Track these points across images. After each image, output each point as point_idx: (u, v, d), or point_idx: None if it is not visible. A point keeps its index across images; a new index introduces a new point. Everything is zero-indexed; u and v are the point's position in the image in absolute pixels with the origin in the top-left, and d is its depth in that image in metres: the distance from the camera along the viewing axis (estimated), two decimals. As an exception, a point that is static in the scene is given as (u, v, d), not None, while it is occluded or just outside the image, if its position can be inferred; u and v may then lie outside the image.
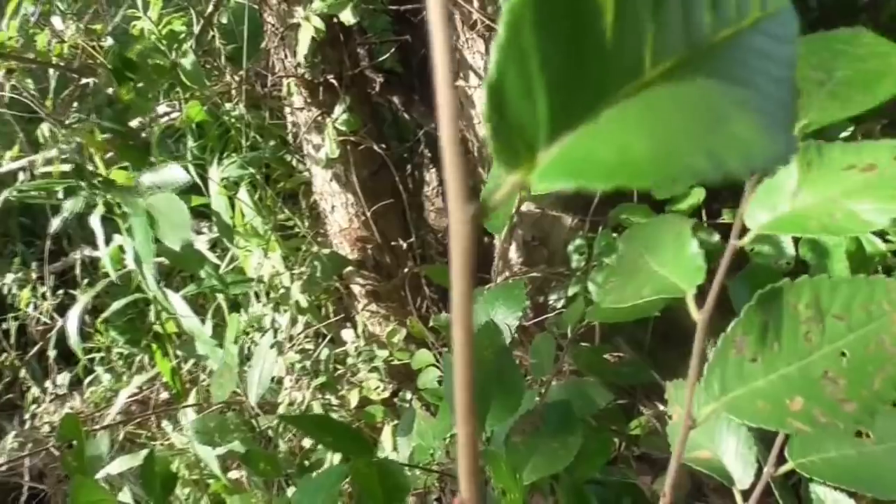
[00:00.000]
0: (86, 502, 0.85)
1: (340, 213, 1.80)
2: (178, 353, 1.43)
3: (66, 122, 1.88)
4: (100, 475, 1.63)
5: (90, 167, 1.23)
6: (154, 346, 1.35)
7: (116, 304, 1.23)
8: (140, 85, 1.12)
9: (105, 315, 1.23)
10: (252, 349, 1.46)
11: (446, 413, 0.77)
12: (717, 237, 1.53)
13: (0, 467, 1.57)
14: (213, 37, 1.57)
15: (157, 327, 1.32)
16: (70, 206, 1.13)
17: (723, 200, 1.61)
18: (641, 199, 1.82)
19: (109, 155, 1.51)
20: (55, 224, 1.16)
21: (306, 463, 1.18)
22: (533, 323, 1.73)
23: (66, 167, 1.40)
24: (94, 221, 1.13)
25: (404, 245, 1.83)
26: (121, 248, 1.21)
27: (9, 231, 2.80)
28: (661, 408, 1.23)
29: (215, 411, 1.31)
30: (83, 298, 1.19)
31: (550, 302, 1.71)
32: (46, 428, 1.83)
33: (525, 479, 0.52)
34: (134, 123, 1.72)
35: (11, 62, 1.59)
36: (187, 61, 1.28)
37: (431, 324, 1.28)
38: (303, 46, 1.26)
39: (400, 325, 1.55)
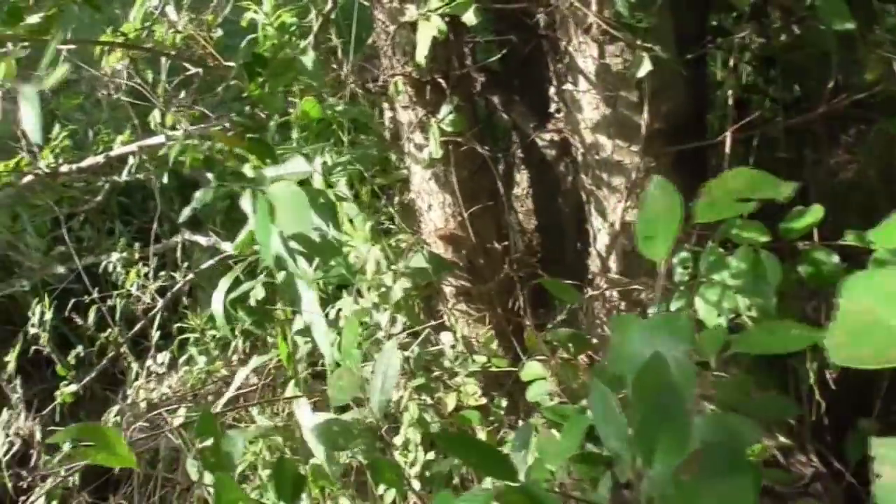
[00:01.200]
0: (227, 500, 0.87)
1: (437, 213, 1.80)
2: (296, 338, 1.46)
3: (177, 108, 1.94)
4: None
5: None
6: (278, 329, 1.38)
7: (247, 286, 1.26)
8: (268, 80, 1.14)
9: (233, 295, 1.27)
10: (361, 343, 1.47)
11: (573, 432, 0.75)
12: (835, 258, 1.46)
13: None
14: (329, 33, 1.58)
15: (279, 313, 1.35)
16: (200, 196, 1.16)
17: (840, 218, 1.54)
18: (752, 216, 1.76)
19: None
20: (185, 213, 1.19)
21: (427, 474, 1.18)
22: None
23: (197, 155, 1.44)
24: (245, 204, 1.15)
25: (499, 247, 1.82)
26: (251, 236, 1.24)
27: (109, 209, 2.92)
28: (782, 439, 1.19)
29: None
30: (223, 283, 1.22)
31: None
32: (144, 406, 1.90)
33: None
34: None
35: (133, 52, 1.64)
36: (308, 58, 1.29)
37: (548, 337, 1.26)
38: (423, 46, 1.26)
39: (494, 329, 1.54)
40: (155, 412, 2.02)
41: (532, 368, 1.13)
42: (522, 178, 2.28)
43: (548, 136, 2.02)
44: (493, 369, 1.42)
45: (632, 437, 0.58)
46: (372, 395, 0.93)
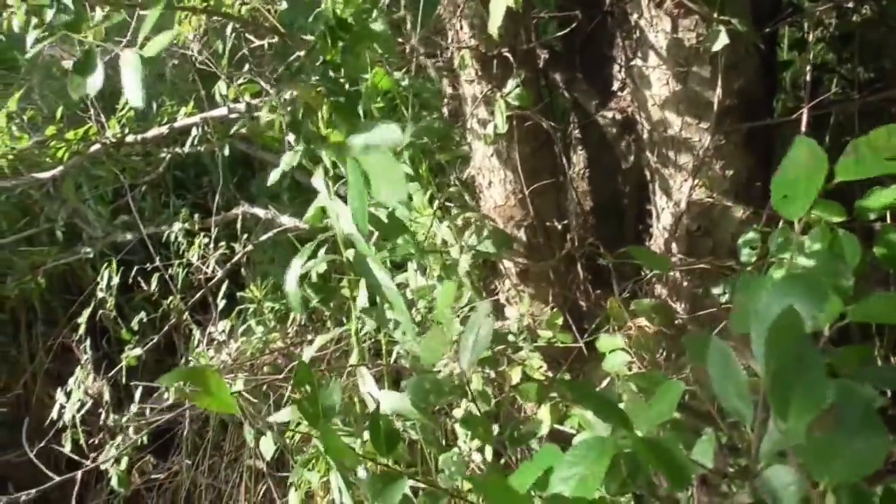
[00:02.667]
0: (332, 448, 0.89)
1: (497, 190, 1.80)
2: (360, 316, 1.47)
3: (240, 81, 1.96)
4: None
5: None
6: (349, 304, 1.39)
7: (314, 263, 1.27)
8: (350, 44, 1.14)
9: (303, 271, 1.28)
10: (425, 317, 1.48)
11: (666, 397, 0.75)
12: (914, 241, 1.42)
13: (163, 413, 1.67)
14: (395, 7, 1.58)
15: (346, 290, 1.35)
16: (288, 160, 1.17)
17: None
18: (827, 195, 1.72)
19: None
20: (273, 177, 1.20)
21: (515, 434, 1.19)
22: (690, 317, 1.67)
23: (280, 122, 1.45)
24: (317, 181, 1.16)
25: (559, 226, 1.81)
26: (322, 210, 1.25)
27: (164, 184, 2.97)
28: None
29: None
30: (296, 262, 1.23)
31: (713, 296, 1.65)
32: (203, 371, 1.94)
33: (828, 480, 0.49)
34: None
35: (202, 16, 1.65)
36: (378, 26, 1.29)
37: (632, 307, 1.25)
38: (497, 17, 1.25)
39: (556, 306, 1.53)
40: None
41: (609, 340, 1.12)
42: (579, 159, 2.25)
43: (610, 115, 1.99)
44: (558, 345, 1.42)
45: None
46: (462, 353, 0.93)
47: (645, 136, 1.71)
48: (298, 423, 2.42)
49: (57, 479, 1.70)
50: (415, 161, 1.77)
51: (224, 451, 3.04)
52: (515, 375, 1.32)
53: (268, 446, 2.24)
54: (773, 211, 1.68)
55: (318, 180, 1.20)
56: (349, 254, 1.38)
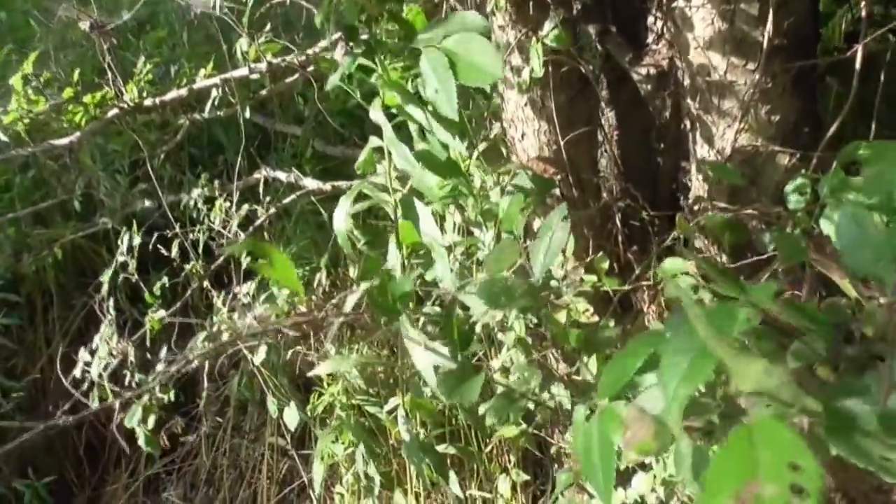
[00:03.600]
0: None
1: (530, 141, 1.73)
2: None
3: (261, 39, 1.90)
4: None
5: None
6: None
7: (360, 206, 1.21)
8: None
9: (350, 212, 1.22)
10: (462, 263, 1.42)
11: (760, 299, 0.68)
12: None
13: (190, 364, 1.62)
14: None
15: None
16: (346, 66, 1.10)
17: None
18: (878, 136, 1.64)
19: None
20: (331, 82, 1.12)
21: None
22: (734, 267, 1.60)
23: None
24: (376, 115, 1.10)
25: (594, 179, 1.75)
26: (379, 151, 1.19)
27: (180, 160, 2.92)
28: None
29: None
30: (345, 199, 1.17)
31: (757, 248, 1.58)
32: (226, 336, 1.88)
33: None
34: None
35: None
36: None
37: (701, 222, 1.18)
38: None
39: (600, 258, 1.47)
40: (234, 348, 2.01)
41: (675, 262, 1.06)
42: (610, 118, 2.19)
43: (644, 70, 1.92)
44: (604, 289, 1.36)
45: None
46: (535, 258, 0.87)
47: (686, 82, 1.65)
48: (321, 395, 2.37)
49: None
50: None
51: (244, 432, 3.00)
52: (561, 318, 1.25)
53: (291, 417, 2.19)
54: (823, 155, 1.61)
55: (376, 113, 1.14)
56: (397, 196, 1.33)
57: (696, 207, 1.67)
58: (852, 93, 1.52)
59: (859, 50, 1.46)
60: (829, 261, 0.98)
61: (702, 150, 1.66)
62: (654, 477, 1.50)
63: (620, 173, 2.00)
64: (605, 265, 1.33)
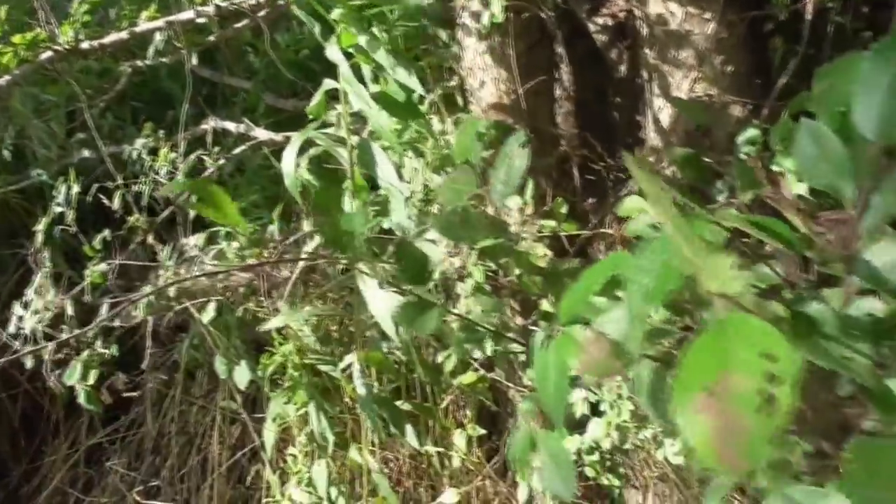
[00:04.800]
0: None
1: (489, 90, 1.70)
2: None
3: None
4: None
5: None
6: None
7: (314, 151, 1.16)
8: None
9: (302, 157, 1.17)
10: (421, 210, 1.38)
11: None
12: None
13: (134, 318, 1.55)
14: None
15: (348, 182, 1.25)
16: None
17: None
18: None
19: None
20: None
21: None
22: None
23: None
24: (333, 52, 1.05)
25: (552, 129, 1.73)
26: (326, 99, 1.15)
27: (121, 114, 2.79)
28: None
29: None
30: (296, 138, 1.12)
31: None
32: (173, 292, 1.82)
33: None
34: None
35: None
36: None
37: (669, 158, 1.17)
38: None
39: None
40: (181, 305, 1.93)
41: (634, 201, 1.05)
42: (566, 72, 2.17)
43: (601, 21, 1.91)
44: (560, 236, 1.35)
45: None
46: (494, 185, 0.85)
47: (644, 32, 1.64)
48: (272, 355, 2.32)
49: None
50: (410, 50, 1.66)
51: (194, 397, 2.91)
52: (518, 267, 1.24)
53: (242, 376, 2.13)
54: (773, 106, 1.62)
55: (333, 50, 1.09)
56: (354, 140, 1.29)
57: (651, 159, 1.67)
58: (804, 40, 1.54)
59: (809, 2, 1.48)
60: (783, 196, 0.98)
61: (658, 101, 1.66)
62: (609, 423, 1.51)
63: (577, 125, 2.00)
64: (565, 210, 1.32)
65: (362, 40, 1.17)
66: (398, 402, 1.95)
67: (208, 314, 1.98)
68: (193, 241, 1.73)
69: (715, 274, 0.49)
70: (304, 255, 1.40)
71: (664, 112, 1.65)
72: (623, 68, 1.97)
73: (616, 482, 1.46)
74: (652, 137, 1.71)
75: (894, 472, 0.42)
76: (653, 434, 1.41)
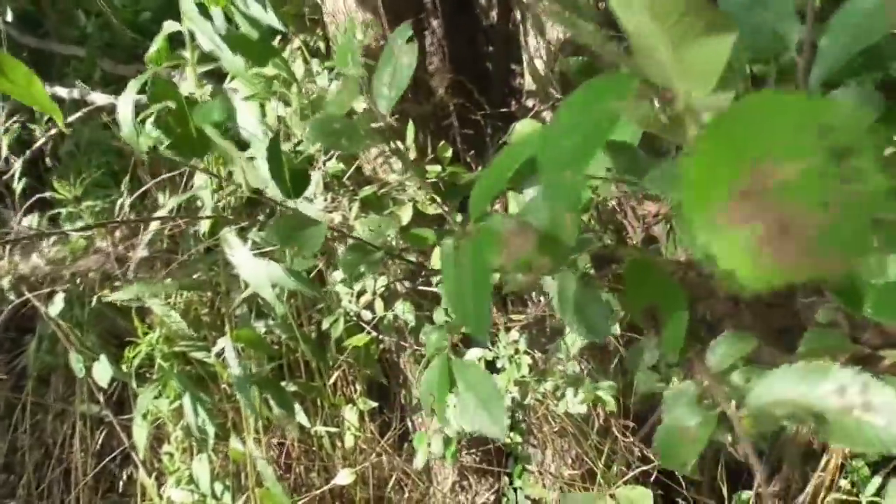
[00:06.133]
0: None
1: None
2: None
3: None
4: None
5: None
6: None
7: (158, 106, 1.00)
8: None
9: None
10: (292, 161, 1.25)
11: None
12: None
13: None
14: None
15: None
16: None
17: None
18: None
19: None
20: None
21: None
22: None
23: None
24: None
25: (426, 76, 1.64)
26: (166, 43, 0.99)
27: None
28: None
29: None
30: (133, 85, 0.95)
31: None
32: (7, 282, 1.58)
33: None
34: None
35: None
36: None
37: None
38: None
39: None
40: (21, 298, 1.69)
41: (527, 124, 0.97)
42: (434, 22, 2.09)
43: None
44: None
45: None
46: (377, 91, 0.74)
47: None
48: (137, 345, 2.10)
49: None
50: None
51: (48, 405, 2.62)
52: (405, 215, 1.14)
53: (102, 373, 1.92)
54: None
55: None
56: (206, 90, 1.14)
57: (530, 103, 1.62)
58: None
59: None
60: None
61: (534, 42, 1.60)
62: (508, 379, 1.46)
63: (451, 74, 1.92)
64: (449, 153, 1.23)
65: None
66: (282, 384, 1.82)
67: (56, 307, 1.75)
68: (27, 223, 1.50)
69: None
70: (157, 217, 1.23)
71: (540, 53, 1.60)
72: (494, 15, 1.91)
73: (518, 439, 1.41)
74: (529, 82, 1.65)
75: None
76: (553, 386, 1.37)
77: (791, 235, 0.20)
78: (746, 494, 1.91)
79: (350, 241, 1.17)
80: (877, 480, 1.73)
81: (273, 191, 1.14)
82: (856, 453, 1.82)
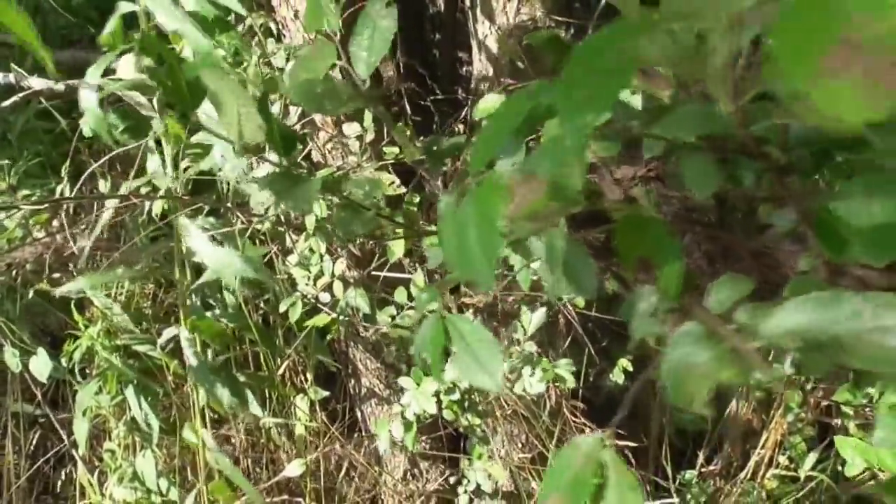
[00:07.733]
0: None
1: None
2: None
3: None
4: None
5: None
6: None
7: (116, 86, 0.96)
8: None
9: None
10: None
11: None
12: None
13: None
14: None
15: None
16: None
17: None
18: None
19: None
20: None
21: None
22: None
23: None
24: None
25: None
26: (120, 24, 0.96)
27: None
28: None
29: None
30: (95, 69, 0.91)
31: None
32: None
33: None
34: None
35: None
36: None
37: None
38: None
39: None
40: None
41: (487, 102, 0.98)
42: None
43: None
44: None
45: None
46: (356, 56, 0.73)
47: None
48: (76, 339, 2.03)
49: None
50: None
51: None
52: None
53: (41, 367, 1.84)
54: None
55: None
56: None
57: (481, 88, 1.64)
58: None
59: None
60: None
61: (483, 28, 1.62)
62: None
63: (400, 60, 1.92)
64: (408, 132, 1.23)
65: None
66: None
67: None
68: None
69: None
70: (112, 196, 1.18)
71: (490, 39, 1.61)
72: (441, 2, 1.92)
73: (476, 421, 1.43)
74: (479, 68, 1.67)
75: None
76: (509, 367, 1.39)
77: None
78: (690, 474, 1.99)
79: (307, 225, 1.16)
80: (813, 456, 1.81)
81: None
82: (793, 430, 1.92)
